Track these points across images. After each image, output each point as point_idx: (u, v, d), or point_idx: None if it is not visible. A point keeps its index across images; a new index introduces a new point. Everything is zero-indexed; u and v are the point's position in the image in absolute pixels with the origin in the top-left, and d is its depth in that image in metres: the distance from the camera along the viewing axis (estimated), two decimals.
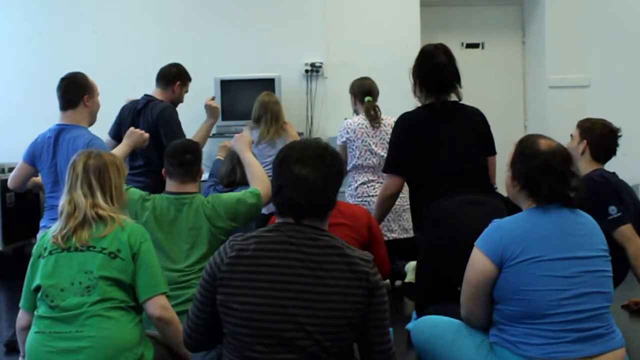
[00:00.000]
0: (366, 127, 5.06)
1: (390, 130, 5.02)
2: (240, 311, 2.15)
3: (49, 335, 2.56)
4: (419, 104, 3.87)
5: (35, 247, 2.74)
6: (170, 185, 3.53)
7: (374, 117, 5.08)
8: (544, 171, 2.56)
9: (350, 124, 5.11)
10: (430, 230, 3.51)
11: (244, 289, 2.16)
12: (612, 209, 3.62)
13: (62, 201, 2.72)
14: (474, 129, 3.75)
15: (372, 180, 4.99)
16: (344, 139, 5.11)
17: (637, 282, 3.79)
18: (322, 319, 2.12)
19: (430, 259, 3.49)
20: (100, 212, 2.67)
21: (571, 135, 3.95)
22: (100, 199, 2.69)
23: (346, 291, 2.14)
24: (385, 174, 3.97)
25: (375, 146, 4.98)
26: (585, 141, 3.84)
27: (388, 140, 5.07)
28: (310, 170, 2.17)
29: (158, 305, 2.66)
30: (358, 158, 5.01)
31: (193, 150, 3.60)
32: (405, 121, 3.82)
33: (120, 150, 3.97)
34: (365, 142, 5.03)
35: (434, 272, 3.43)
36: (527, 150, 2.64)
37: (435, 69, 3.77)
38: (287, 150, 2.26)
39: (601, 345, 2.46)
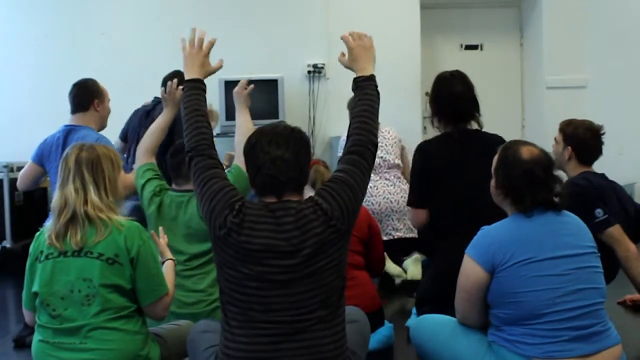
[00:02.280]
0: None
1: (388, 135, 4.98)
2: (235, 277, 2.31)
3: (53, 345, 2.51)
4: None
5: (32, 246, 2.63)
6: (175, 183, 3.55)
7: None
8: (525, 180, 2.53)
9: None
10: (441, 262, 3.47)
11: (236, 260, 2.30)
12: (598, 212, 3.56)
13: (55, 197, 2.62)
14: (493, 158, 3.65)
15: (373, 180, 4.92)
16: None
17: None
18: (316, 282, 2.30)
19: (440, 287, 3.43)
20: (91, 212, 2.54)
21: (555, 139, 3.83)
22: (93, 194, 2.56)
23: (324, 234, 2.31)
24: (410, 207, 3.74)
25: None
26: (569, 147, 3.72)
27: (386, 143, 5.02)
28: (284, 150, 2.33)
29: (160, 309, 2.63)
30: None
31: None
32: (421, 152, 3.65)
33: (164, 118, 3.77)
34: None
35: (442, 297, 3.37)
36: (509, 158, 2.60)
37: (451, 99, 3.58)
38: (258, 135, 2.40)
39: (598, 343, 2.45)
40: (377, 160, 4.82)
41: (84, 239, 2.52)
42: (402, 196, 4.72)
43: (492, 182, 2.69)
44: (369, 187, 4.68)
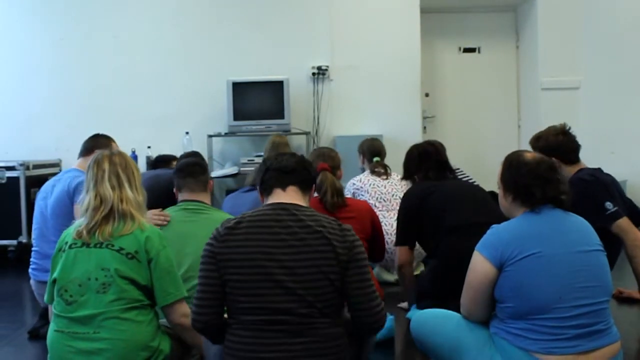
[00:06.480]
0: (372, 177, 4.85)
1: (397, 177, 4.80)
2: (234, 281, 2.27)
3: (67, 334, 2.52)
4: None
5: (57, 242, 2.67)
6: (182, 196, 3.42)
7: (381, 173, 4.86)
8: (533, 177, 2.53)
9: (357, 177, 4.91)
10: (442, 257, 3.47)
11: (235, 261, 2.28)
12: (608, 204, 3.54)
13: (87, 198, 2.65)
14: (474, 189, 3.70)
15: (388, 218, 4.65)
16: (352, 191, 4.84)
17: (625, 273, 3.74)
18: (307, 282, 2.24)
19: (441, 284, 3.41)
20: (125, 207, 2.61)
21: None
22: (127, 190, 2.66)
23: (324, 255, 2.27)
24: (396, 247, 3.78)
25: (385, 187, 4.77)
26: (553, 159, 3.71)
27: (395, 183, 4.81)
28: (289, 155, 2.57)
29: (178, 314, 2.62)
30: (369, 200, 4.70)
31: (199, 162, 3.58)
32: (406, 196, 3.74)
33: None
34: (375, 186, 4.79)
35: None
36: (514, 162, 2.63)
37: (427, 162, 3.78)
38: (266, 157, 2.67)
39: (598, 340, 2.41)
40: (388, 196, 4.73)
41: (112, 233, 2.58)
42: None
43: (500, 192, 2.67)
44: (385, 224, 4.55)
